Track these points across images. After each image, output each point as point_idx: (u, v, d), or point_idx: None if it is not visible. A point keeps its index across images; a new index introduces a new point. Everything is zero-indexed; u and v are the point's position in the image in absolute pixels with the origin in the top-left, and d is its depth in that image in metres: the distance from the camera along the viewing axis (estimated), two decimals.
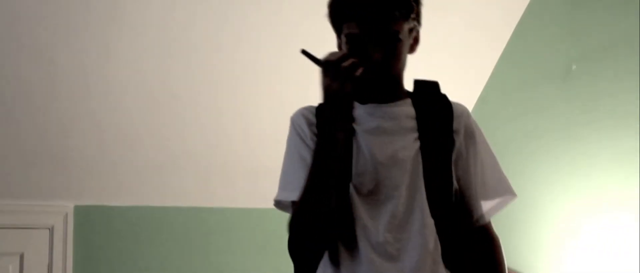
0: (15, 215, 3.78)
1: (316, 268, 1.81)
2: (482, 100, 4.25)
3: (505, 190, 1.89)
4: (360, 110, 1.84)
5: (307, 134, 1.82)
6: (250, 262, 4.14)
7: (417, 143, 1.80)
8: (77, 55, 3.41)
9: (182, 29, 3.48)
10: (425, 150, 1.80)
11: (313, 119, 1.85)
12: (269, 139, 3.32)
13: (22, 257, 3.76)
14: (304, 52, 1.71)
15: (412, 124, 1.82)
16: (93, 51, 3.42)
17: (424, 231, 1.74)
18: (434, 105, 1.87)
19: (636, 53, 3.40)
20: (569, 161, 3.77)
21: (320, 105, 1.82)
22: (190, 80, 3.64)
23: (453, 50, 4.00)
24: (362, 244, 1.74)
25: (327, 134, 1.71)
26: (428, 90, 1.91)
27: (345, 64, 1.65)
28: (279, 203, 1.86)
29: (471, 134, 1.87)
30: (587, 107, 3.69)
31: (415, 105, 1.86)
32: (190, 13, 3.43)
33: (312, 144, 1.79)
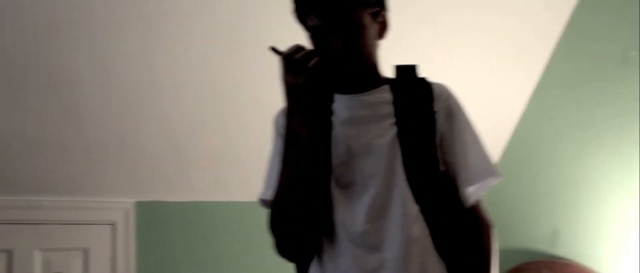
0: (79, 212, 3.86)
1: (307, 265, 1.81)
2: (538, 90, 4.20)
3: (487, 172, 1.80)
4: (338, 102, 1.82)
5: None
6: None
7: (394, 129, 1.76)
8: (135, 49, 3.46)
9: (250, 29, 3.51)
10: (403, 135, 1.75)
11: None
12: None
13: (86, 251, 3.85)
14: (272, 49, 1.74)
15: (389, 109, 1.78)
16: (154, 47, 3.47)
17: (406, 219, 1.70)
18: (414, 89, 1.82)
19: None
20: (627, 149, 3.70)
21: None
22: (253, 77, 3.67)
23: (508, 41, 3.96)
24: (342, 236, 1.72)
25: (287, 129, 1.73)
26: (407, 74, 1.86)
27: (297, 55, 1.67)
28: (263, 202, 1.87)
29: (452, 113, 1.81)
30: None
31: (393, 90, 1.81)
32: (258, 14, 3.46)
33: None
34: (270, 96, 3.74)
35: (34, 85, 3.40)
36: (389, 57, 1.93)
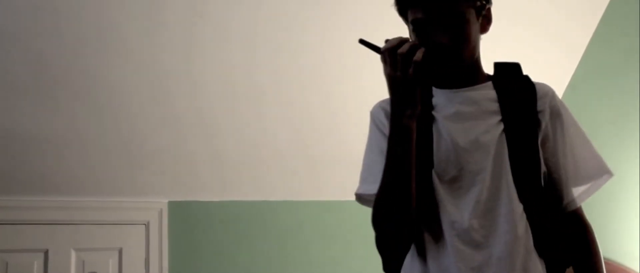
0: (113, 212, 3.91)
1: (402, 260, 1.77)
2: (571, 86, 4.17)
3: (600, 170, 1.79)
4: (439, 97, 1.78)
5: (386, 125, 1.76)
6: (341, 254, 4.15)
7: (500, 127, 1.72)
8: (168, 54, 3.49)
9: (270, 28, 3.52)
10: (510, 132, 1.71)
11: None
12: (355, 132, 3.33)
13: (120, 251, 3.89)
14: (362, 42, 1.69)
15: (494, 107, 1.74)
16: (183, 49, 3.50)
17: (511, 217, 1.66)
18: (517, 87, 1.78)
19: None
20: None
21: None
22: (278, 77, 3.68)
23: (543, 37, 3.93)
24: (448, 232, 1.68)
25: (395, 123, 1.67)
26: (509, 72, 1.83)
27: (402, 50, 1.61)
28: (359, 197, 1.82)
29: (557, 114, 1.77)
30: None
31: (496, 87, 1.77)
32: (277, 13, 3.47)
33: None
34: (304, 97, 3.79)
35: (72, 88, 3.44)
36: None
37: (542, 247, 1.69)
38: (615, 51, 3.97)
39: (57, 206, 3.77)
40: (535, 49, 3.91)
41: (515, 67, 1.83)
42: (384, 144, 1.73)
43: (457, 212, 1.69)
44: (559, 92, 4.20)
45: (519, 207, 1.67)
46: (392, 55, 1.63)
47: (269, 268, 4.11)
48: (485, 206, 1.68)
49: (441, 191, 1.71)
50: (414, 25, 1.71)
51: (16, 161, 3.58)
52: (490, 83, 1.79)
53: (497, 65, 1.84)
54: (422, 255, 1.73)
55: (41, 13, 3.15)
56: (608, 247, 3.84)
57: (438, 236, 1.70)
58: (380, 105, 1.85)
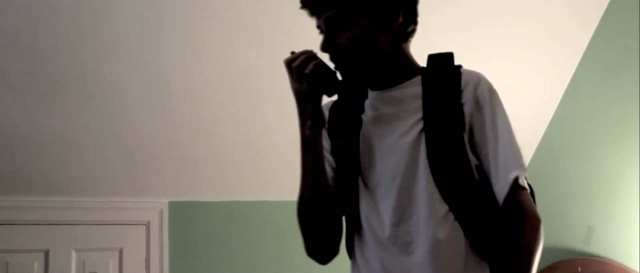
0: (113, 212, 3.91)
1: (328, 259, 1.78)
2: (571, 85, 4.16)
3: (514, 166, 1.61)
4: (369, 99, 1.76)
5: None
6: (341, 254, 4.15)
7: (420, 125, 1.64)
8: (167, 54, 3.49)
9: (269, 24, 3.52)
10: (429, 130, 1.63)
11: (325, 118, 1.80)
12: None
13: (121, 251, 3.89)
14: (292, 54, 1.70)
15: (417, 104, 1.67)
16: (182, 49, 3.50)
17: (431, 220, 1.59)
18: (444, 80, 1.68)
19: None
20: None
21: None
22: (276, 77, 3.68)
23: (542, 38, 3.93)
24: (370, 241, 1.67)
25: (300, 134, 1.71)
26: (441, 63, 1.73)
27: (295, 64, 1.65)
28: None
29: (482, 104, 1.65)
30: None
31: (424, 83, 1.70)
32: (276, 13, 3.48)
33: None
34: None
35: (71, 88, 3.44)
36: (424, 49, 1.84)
37: (481, 247, 1.60)
38: (617, 49, 3.97)
39: (57, 206, 3.78)
40: (537, 47, 3.91)
41: (448, 57, 1.74)
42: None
43: (377, 220, 1.66)
44: (560, 90, 4.19)
45: (441, 209, 1.60)
46: (289, 68, 1.67)
47: (269, 267, 4.11)
48: (404, 212, 1.63)
49: (364, 198, 1.69)
50: (318, 29, 1.74)
51: (16, 161, 3.58)
52: (419, 78, 1.72)
53: (430, 58, 1.76)
54: (355, 259, 1.74)
55: (38, 12, 3.16)
56: (608, 246, 3.83)
57: (364, 243, 1.69)
58: (324, 105, 1.84)
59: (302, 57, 1.65)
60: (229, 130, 3.83)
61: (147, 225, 3.96)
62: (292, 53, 1.70)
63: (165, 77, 3.57)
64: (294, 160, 3.93)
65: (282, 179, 4.08)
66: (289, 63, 1.67)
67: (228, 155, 3.92)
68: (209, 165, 3.93)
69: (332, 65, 1.71)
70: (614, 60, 3.98)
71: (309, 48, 1.71)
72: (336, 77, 1.67)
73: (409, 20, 1.72)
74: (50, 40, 3.26)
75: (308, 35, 3.50)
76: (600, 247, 3.87)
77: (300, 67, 1.64)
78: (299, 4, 1.71)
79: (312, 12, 1.70)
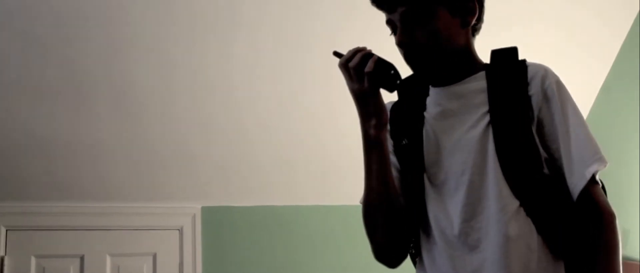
0: (147, 217, 3.95)
1: (397, 263, 1.74)
2: (605, 86, 4.13)
3: (591, 159, 1.57)
4: (431, 96, 1.73)
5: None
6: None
7: (486, 118, 1.60)
8: (198, 58, 3.52)
9: (298, 30, 3.53)
10: (497, 124, 1.59)
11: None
12: None
13: (155, 256, 3.92)
14: (336, 54, 1.68)
15: (482, 98, 1.63)
16: (214, 54, 3.52)
17: (502, 216, 1.54)
18: (509, 73, 1.64)
19: None
20: None
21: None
22: (308, 81, 3.69)
23: (576, 40, 3.90)
24: (439, 239, 1.63)
25: (363, 134, 1.66)
26: (504, 58, 1.68)
27: (352, 63, 1.60)
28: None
29: (550, 96, 1.60)
30: None
31: (488, 77, 1.66)
32: (307, 13, 3.49)
33: None
34: (331, 102, 3.78)
35: (102, 95, 3.48)
36: None
37: (555, 244, 1.56)
38: None
39: (92, 212, 3.82)
40: (567, 54, 3.88)
41: (512, 51, 1.69)
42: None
43: (446, 218, 1.62)
44: (592, 96, 4.16)
45: (512, 204, 1.55)
46: (346, 69, 1.62)
47: None
48: (474, 208, 1.58)
49: (431, 196, 1.66)
50: (388, 26, 1.70)
51: (52, 167, 3.62)
52: (483, 73, 1.68)
53: (494, 53, 1.71)
54: (421, 262, 1.70)
55: (72, 21, 3.20)
56: (634, 247, 3.79)
57: (433, 242, 1.65)
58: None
59: (359, 56, 1.61)
60: (260, 135, 3.84)
61: (180, 230, 3.98)
62: (335, 53, 1.68)
63: (199, 83, 3.59)
64: (325, 164, 3.96)
65: (314, 184, 4.08)
66: (345, 64, 1.63)
67: (260, 160, 3.93)
68: (241, 170, 3.95)
69: (395, 62, 1.66)
70: None
71: (342, 47, 1.69)
72: (397, 72, 1.63)
73: (481, 15, 1.71)
74: (82, 48, 3.30)
75: (339, 42, 3.50)
76: (635, 251, 3.82)
77: (359, 66, 1.60)
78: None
79: (386, 8, 1.67)
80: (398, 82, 1.64)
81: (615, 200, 1.66)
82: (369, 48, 1.65)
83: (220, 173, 3.94)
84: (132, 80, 3.48)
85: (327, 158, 3.97)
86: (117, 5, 3.23)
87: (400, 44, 1.65)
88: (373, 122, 1.64)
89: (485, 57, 1.74)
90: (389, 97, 1.71)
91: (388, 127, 1.74)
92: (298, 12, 3.46)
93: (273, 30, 3.50)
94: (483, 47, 1.76)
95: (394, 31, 1.68)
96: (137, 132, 3.65)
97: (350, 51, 1.64)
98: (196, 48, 3.47)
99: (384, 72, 1.62)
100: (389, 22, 1.69)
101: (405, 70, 1.70)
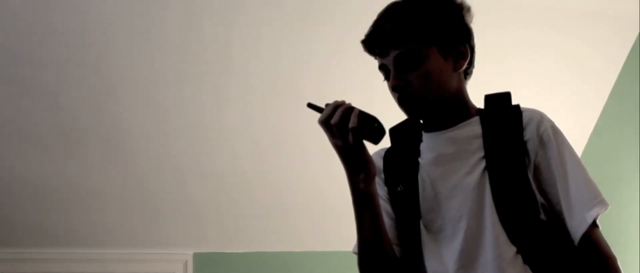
0: (137, 264, 3.89)
1: None
2: (597, 130, 4.14)
3: (591, 202, 1.58)
4: (425, 141, 1.72)
5: (381, 178, 1.76)
6: None
7: (482, 164, 1.61)
8: (190, 102, 3.51)
9: (289, 76, 3.54)
10: (493, 169, 1.59)
11: (379, 165, 1.77)
12: None
13: None
14: (310, 106, 1.66)
15: (477, 144, 1.64)
16: (206, 99, 3.52)
17: (499, 263, 1.54)
18: (504, 119, 1.64)
19: None
20: None
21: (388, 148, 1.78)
22: (300, 126, 3.69)
23: (566, 83, 3.92)
24: None
25: (352, 189, 1.64)
26: (498, 103, 1.68)
27: (334, 121, 1.57)
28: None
29: (546, 141, 1.61)
30: None
31: (482, 122, 1.66)
32: (297, 55, 3.49)
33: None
34: (325, 146, 3.78)
35: (93, 140, 3.47)
36: None
37: None
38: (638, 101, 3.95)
39: (82, 258, 3.77)
40: (559, 93, 3.90)
41: (505, 97, 1.69)
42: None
43: (441, 264, 1.61)
44: (584, 138, 4.17)
45: (509, 251, 1.56)
46: (327, 126, 1.59)
47: None
48: (470, 255, 1.58)
49: (427, 243, 1.64)
50: (381, 71, 1.69)
51: (42, 213, 3.59)
52: (477, 118, 1.68)
53: (487, 98, 1.71)
54: None
55: (68, 66, 3.20)
56: None
57: None
58: (377, 153, 1.79)
59: (341, 111, 1.58)
60: (254, 180, 3.82)
61: None
62: (310, 105, 1.66)
63: (192, 128, 3.59)
64: (319, 210, 3.94)
65: (308, 230, 4.05)
66: (325, 122, 1.60)
67: (253, 205, 3.90)
68: (233, 216, 3.91)
69: (376, 109, 1.66)
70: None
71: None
72: (380, 124, 1.62)
73: (472, 59, 1.71)
74: (74, 93, 3.30)
75: (329, 87, 3.51)
76: None
77: (341, 123, 1.57)
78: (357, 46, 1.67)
79: (379, 53, 1.66)
80: (381, 133, 1.62)
81: (607, 240, 1.65)
82: (347, 101, 1.63)
83: (213, 219, 3.90)
84: (122, 125, 3.47)
85: (322, 203, 3.96)
86: (106, 49, 3.24)
87: (394, 88, 1.64)
88: (361, 176, 1.63)
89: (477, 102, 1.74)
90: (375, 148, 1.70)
91: (382, 176, 1.75)
92: (288, 54, 3.48)
93: (265, 73, 3.50)
94: (483, 77, 1.75)
95: (387, 77, 1.67)
96: (127, 177, 3.62)
97: (329, 107, 1.61)
98: (188, 91, 3.47)
99: (368, 125, 1.60)
100: (381, 68, 1.68)
101: (387, 120, 1.70)
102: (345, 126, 1.57)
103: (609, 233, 1.70)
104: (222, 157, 3.71)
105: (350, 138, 1.58)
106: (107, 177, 3.58)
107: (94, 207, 3.65)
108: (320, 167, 3.84)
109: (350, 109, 1.59)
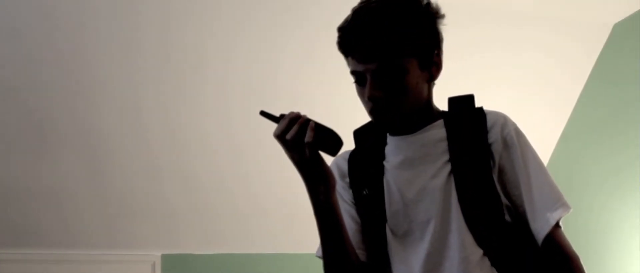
0: (106, 265, 3.86)
1: None
2: (564, 135, 4.18)
3: (553, 204, 1.58)
4: (390, 145, 1.70)
5: (341, 185, 1.74)
6: None
7: (448, 167, 1.60)
8: (164, 105, 3.50)
9: (265, 78, 3.54)
10: (458, 172, 1.59)
11: (344, 168, 1.76)
12: None
13: None
14: (263, 114, 1.62)
15: (443, 147, 1.62)
16: (179, 101, 3.52)
17: (465, 266, 1.54)
18: (468, 121, 1.64)
19: None
20: None
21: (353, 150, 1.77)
22: (268, 128, 3.69)
23: (534, 88, 3.96)
24: None
25: (313, 201, 1.62)
26: (462, 106, 1.68)
27: (289, 136, 1.54)
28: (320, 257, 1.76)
29: (510, 144, 1.61)
30: None
31: (447, 125, 1.65)
32: (273, 63, 3.50)
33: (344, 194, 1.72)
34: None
35: (63, 141, 3.45)
36: None
37: None
38: (605, 107, 3.99)
39: (49, 259, 3.73)
40: (527, 100, 3.94)
41: (469, 99, 1.68)
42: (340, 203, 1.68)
43: (407, 268, 1.60)
44: (551, 145, 4.21)
45: (475, 254, 1.55)
46: (283, 140, 1.56)
47: None
48: (437, 258, 1.58)
49: (394, 247, 1.63)
50: (353, 75, 1.63)
51: (11, 213, 3.56)
52: (441, 122, 1.67)
53: (451, 101, 1.70)
54: None
55: (38, 67, 3.18)
56: None
57: None
58: (334, 160, 1.77)
59: (297, 126, 1.54)
60: (222, 183, 3.82)
61: None
62: (263, 113, 1.62)
63: (157, 132, 3.58)
64: (287, 213, 3.94)
65: (276, 232, 4.05)
66: (281, 136, 1.56)
67: (220, 208, 3.90)
68: (201, 218, 3.91)
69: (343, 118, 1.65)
70: (609, 108, 4.00)
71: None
72: (337, 136, 1.59)
73: (439, 66, 1.68)
74: (44, 93, 3.27)
75: (297, 92, 3.51)
76: None
77: (297, 137, 1.54)
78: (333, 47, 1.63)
79: (359, 59, 1.59)
80: (339, 144, 1.60)
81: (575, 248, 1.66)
82: (302, 113, 1.59)
83: (181, 221, 3.89)
84: (94, 125, 3.46)
85: (289, 206, 3.96)
86: (79, 50, 3.22)
87: (370, 98, 1.59)
88: (321, 188, 1.60)
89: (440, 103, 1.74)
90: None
91: (347, 179, 1.74)
92: (264, 57, 3.49)
93: (240, 79, 3.51)
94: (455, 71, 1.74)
95: (360, 82, 1.62)
96: (97, 179, 3.60)
97: (284, 120, 1.57)
98: (164, 92, 3.47)
99: (324, 138, 1.57)
100: (355, 73, 1.62)
101: (356, 122, 1.71)
102: (301, 140, 1.54)
103: (574, 237, 1.72)
104: (192, 160, 3.70)
105: (307, 152, 1.55)
106: (77, 179, 3.57)
107: (63, 209, 3.63)
108: (295, 170, 3.84)
109: (306, 122, 1.55)
